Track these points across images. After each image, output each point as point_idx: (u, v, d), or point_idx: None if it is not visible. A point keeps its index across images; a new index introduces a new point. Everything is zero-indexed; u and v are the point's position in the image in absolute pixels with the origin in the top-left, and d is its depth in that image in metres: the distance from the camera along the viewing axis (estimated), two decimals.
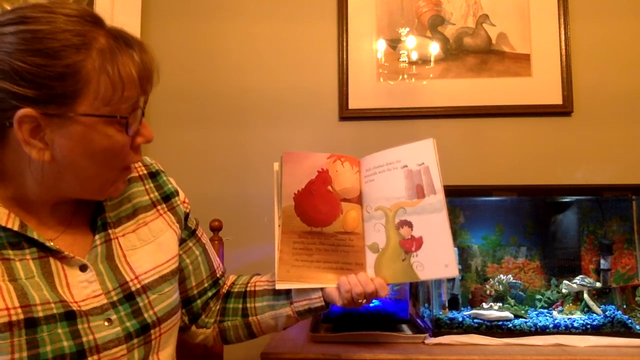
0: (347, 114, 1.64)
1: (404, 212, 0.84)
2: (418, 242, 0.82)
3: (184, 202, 0.86)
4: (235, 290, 0.92)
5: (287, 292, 0.86)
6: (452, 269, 0.80)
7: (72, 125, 0.61)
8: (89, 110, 0.61)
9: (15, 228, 0.63)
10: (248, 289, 0.90)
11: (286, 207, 0.86)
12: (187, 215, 0.87)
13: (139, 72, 0.64)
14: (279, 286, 0.84)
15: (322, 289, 0.84)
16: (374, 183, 0.88)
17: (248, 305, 0.89)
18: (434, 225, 0.81)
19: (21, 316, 0.59)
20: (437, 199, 0.82)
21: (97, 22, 0.64)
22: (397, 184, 0.86)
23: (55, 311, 0.62)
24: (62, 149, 0.62)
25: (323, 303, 0.84)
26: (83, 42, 0.61)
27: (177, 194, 0.85)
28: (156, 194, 0.81)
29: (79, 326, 0.64)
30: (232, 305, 0.90)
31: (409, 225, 0.83)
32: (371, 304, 1.22)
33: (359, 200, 0.89)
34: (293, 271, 0.84)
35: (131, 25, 1.66)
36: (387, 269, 0.84)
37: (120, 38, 0.64)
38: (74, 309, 0.64)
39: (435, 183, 0.83)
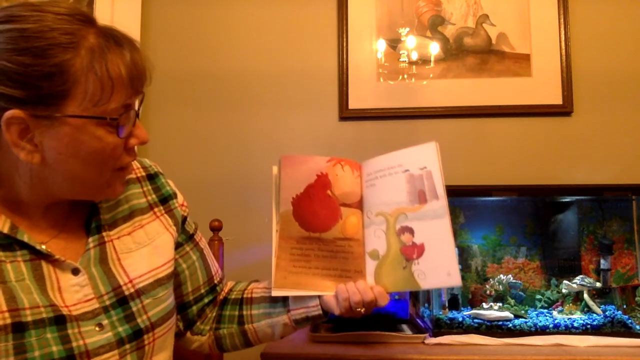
0: (347, 114, 1.63)
1: (405, 218, 0.81)
2: (420, 249, 0.79)
3: (182, 205, 0.84)
4: (232, 297, 0.89)
5: (284, 300, 0.83)
6: (454, 278, 0.76)
7: (60, 126, 0.59)
8: (78, 112, 0.59)
9: (5, 230, 0.61)
10: (245, 295, 0.88)
11: (284, 212, 0.83)
12: (184, 219, 0.84)
13: (129, 71, 0.62)
14: (275, 293, 0.80)
15: (320, 297, 0.81)
16: (375, 188, 0.85)
17: (244, 312, 0.86)
18: (436, 231, 0.78)
19: (8, 320, 0.58)
20: (440, 205, 0.78)
21: (87, 20, 0.62)
22: (398, 189, 0.82)
23: (44, 315, 0.60)
24: (51, 150, 0.61)
25: (321, 312, 0.81)
26: (71, 40, 0.59)
27: (175, 196, 0.83)
28: (154, 196, 0.80)
29: (69, 331, 0.62)
30: (228, 312, 0.87)
31: (410, 231, 0.80)
32: None
33: (359, 205, 0.85)
34: (290, 278, 0.81)
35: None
36: (387, 277, 0.80)
37: (110, 37, 0.62)
38: (64, 313, 0.62)
39: (437, 188, 0.79)
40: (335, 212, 0.84)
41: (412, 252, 0.79)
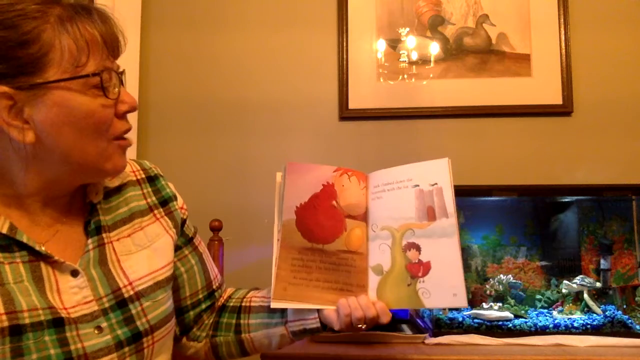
0: (347, 114, 1.61)
1: (412, 234, 0.78)
2: (426, 267, 0.76)
3: (181, 207, 0.82)
4: (231, 304, 0.87)
5: (283, 311, 0.80)
6: (460, 299, 0.73)
7: (46, 95, 0.60)
8: (58, 76, 0.59)
9: (4, 231, 0.60)
10: (243, 304, 0.85)
11: (287, 221, 0.80)
12: (184, 222, 0.83)
13: (101, 33, 0.63)
14: (275, 305, 0.78)
15: (319, 310, 0.78)
16: (382, 201, 0.82)
17: (242, 321, 0.84)
18: (443, 250, 0.75)
19: (6, 323, 0.56)
20: (449, 223, 0.76)
21: None
22: (406, 204, 0.79)
23: (42, 318, 0.59)
24: (43, 124, 0.60)
25: (319, 324, 0.79)
26: (39, 9, 0.60)
27: (175, 198, 0.82)
28: (153, 198, 0.78)
29: (67, 334, 0.60)
30: (225, 320, 0.85)
31: (417, 248, 0.77)
32: None
33: (364, 217, 0.82)
34: (290, 289, 0.78)
35: (132, 27, 1.65)
36: (390, 293, 0.77)
37: (79, 7, 0.63)
38: (63, 316, 0.61)
39: (447, 206, 0.77)
40: (340, 224, 0.81)
41: (417, 270, 0.77)
